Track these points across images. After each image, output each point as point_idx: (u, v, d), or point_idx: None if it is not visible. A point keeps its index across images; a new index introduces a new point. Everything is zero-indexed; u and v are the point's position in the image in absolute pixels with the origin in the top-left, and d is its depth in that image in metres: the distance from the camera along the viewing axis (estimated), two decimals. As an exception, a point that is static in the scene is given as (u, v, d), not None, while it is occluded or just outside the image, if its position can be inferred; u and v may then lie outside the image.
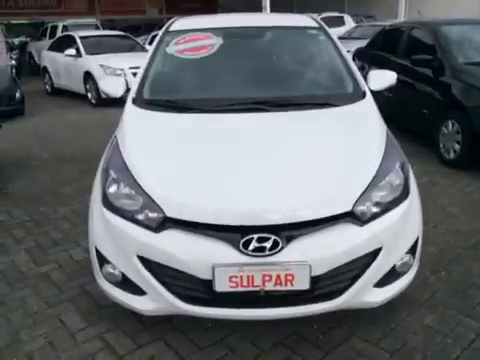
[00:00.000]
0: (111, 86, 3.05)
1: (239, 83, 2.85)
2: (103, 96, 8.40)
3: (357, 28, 12.58)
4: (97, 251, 2.18)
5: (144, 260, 2.00)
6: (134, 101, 2.73)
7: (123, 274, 2.10)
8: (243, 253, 1.86)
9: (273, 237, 1.86)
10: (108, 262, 2.13)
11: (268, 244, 1.85)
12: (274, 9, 14.14)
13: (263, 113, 2.52)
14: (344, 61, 2.97)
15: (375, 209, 2.01)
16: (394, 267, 2.10)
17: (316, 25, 3.29)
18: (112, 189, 2.13)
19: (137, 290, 2.08)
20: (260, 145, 2.25)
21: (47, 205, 4.03)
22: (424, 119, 5.08)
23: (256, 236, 1.86)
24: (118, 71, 8.42)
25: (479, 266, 2.81)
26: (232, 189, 1.98)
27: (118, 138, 2.45)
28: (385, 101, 4.77)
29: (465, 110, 4.35)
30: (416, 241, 2.18)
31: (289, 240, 1.88)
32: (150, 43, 11.31)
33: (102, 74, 8.42)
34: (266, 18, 3.45)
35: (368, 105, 2.66)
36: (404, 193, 2.14)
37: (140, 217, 2.01)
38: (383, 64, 5.67)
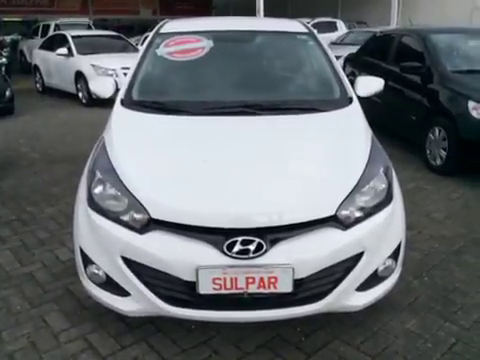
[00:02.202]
0: (101, 87, 3.05)
1: (227, 86, 2.87)
2: (94, 96, 8.38)
3: (349, 34, 12.69)
4: (82, 251, 2.17)
5: (128, 261, 2.00)
6: (122, 102, 2.74)
7: (107, 275, 2.10)
8: (227, 255, 1.87)
9: (257, 240, 1.87)
10: (92, 263, 2.13)
11: (252, 247, 1.87)
12: (268, 13, 14.23)
13: (250, 117, 2.54)
14: (332, 67, 3.00)
15: (358, 214, 2.03)
16: (376, 271, 2.13)
17: (305, 30, 3.32)
18: (98, 190, 2.14)
19: (121, 291, 2.08)
20: (247, 148, 2.26)
21: (34, 205, 4.00)
22: (412, 125, 5.14)
23: (240, 239, 1.87)
24: (110, 71, 8.40)
25: (461, 271, 2.85)
26: (218, 192, 2.00)
27: (105, 139, 2.45)
28: (374, 107, 4.82)
29: (452, 117, 4.41)
30: (399, 246, 2.21)
31: (273, 243, 1.89)
32: (143, 44, 11.31)
33: (93, 74, 8.39)
34: (256, 22, 3.48)
35: (354, 111, 2.69)
36: (387, 198, 2.16)
37: (125, 218, 2.02)
38: (373, 70, 5.74)
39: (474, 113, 4.17)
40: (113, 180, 2.12)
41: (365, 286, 2.10)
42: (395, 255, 2.20)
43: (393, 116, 5.60)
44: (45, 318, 2.43)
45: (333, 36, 13.05)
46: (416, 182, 4.44)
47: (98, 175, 2.18)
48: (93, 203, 2.13)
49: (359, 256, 2.02)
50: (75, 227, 2.26)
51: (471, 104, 4.21)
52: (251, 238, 1.87)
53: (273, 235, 1.90)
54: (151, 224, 1.96)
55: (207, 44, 3.02)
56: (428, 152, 4.81)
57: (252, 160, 2.18)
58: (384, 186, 2.17)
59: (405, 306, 2.50)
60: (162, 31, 3.25)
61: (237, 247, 1.87)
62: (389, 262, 2.17)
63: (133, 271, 2.00)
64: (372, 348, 2.18)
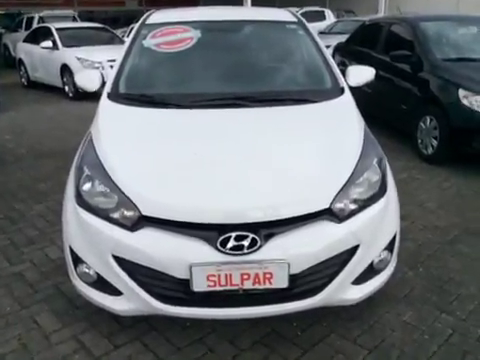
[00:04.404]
0: (86, 80, 2.96)
1: (217, 78, 2.80)
2: (80, 90, 8.24)
3: (338, 23, 12.63)
4: (71, 250, 2.12)
5: (120, 260, 1.95)
6: (109, 96, 2.66)
7: (98, 274, 2.05)
8: (221, 252, 1.83)
9: (251, 235, 1.83)
10: (83, 262, 2.08)
11: (246, 242, 1.83)
12: (256, 2, 14.09)
13: (241, 109, 2.48)
14: (323, 56, 2.95)
15: (353, 206, 2.00)
16: (372, 264, 2.10)
17: (295, 19, 3.26)
18: (86, 187, 2.07)
19: (113, 290, 2.03)
20: (238, 142, 2.21)
21: (22, 202, 3.92)
22: (402, 115, 5.12)
23: (234, 234, 1.83)
24: (96, 64, 8.27)
25: (456, 262, 2.85)
26: (209, 187, 1.95)
27: (92, 134, 2.38)
28: (364, 96, 4.79)
29: (442, 106, 4.39)
30: (394, 237, 2.18)
31: (267, 238, 1.86)
32: (129, 35, 11.14)
33: (79, 67, 8.23)
34: (245, 12, 3.40)
35: (346, 101, 2.64)
36: (382, 189, 2.13)
37: (115, 215, 1.96)
38: (363, 59, 5.70)
39: (465, 101, 4.16)
40: (102, 176, 2.06)
41: (361, 279, 2.08)
42: (390, 247, 2.18)
43: (383, 106, 5.57)
44: (36, 319, 2.38)
45: (321, 25, 12.98)
46: (408, 172, 4.43)
47: (86, 171, 2.12)
48: (82, 200, 2.07)
49: (354, 249, 1.99)
50: (64, 225, 2.20)
51: (462, 92, 4.19)
52: (245, 233, 1.83)
53: (267, 230, 1.86)
54: (142, 221, 1.91)
55: (195, 34, 2.95)
56: (419, 141, 4.80)
57: (244, 153, 2.13)
58: (378, 177, 2.14)
59: (401, 298, 2.49)
60: (148, 22, 3.17)
61: (231, 243, 1.82)
62: (384, 254, 2.15)
63: (125, 270, 1.95)
64: (369, 341, 2.17)
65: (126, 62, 2.88)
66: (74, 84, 8.38)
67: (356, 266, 2.01)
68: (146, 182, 2.00)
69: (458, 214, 3.53)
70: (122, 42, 9.74)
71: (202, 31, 2.97)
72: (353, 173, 2.05)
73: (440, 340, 2.17)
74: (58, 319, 2.37)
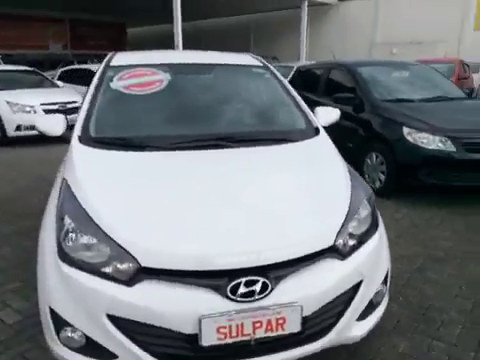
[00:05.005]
0: (50, 124, 2.76)
1: (194, 119, 2.76)
2: (10, 134, 7.71)
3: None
4: (52, 312, 1.87)
5: (115, 319, 1.76)
6: (81, 139, 2.49)
7: (87, 337, 1.82)
8: (232, 300, 1.73)
9: (262, 279, 1.76)
10: (68, 324, 1.84)
11: (257, 287, 1.75)
12: (185, 48, 14.42)
13: (223, 149, 2.45)
14: (293, 98, 3.04)
15: (352, 242, 2.02)
16: (371, 298, 2.11)
17: (260, 64, 3.35)
18: (71, 240, 1.87)
19: (106, 354, 1.82)
20: (231, 183, 2.16)
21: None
22: (348, 152, 5.35)
23: (244, 280, 1.74)
24: (27, 108, 7.82)
25: (430, 288, 2.96)
26: (213, 231, 1.85)
27: (68, 180, 2.19)
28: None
29: (388, 143, 4.70)
30: (388, 270, 2.23)
31: (277, 281, 1.79)
32: (59, 79, 10.72)
33: (9, 111, 7.74)
34: (209, 56, 3.42)
35: (324, 140, 2.73)
36: (374, 225, 2.19)
37: (108, 270, 1.79)
38: (305, 102, 5.96)
39: (409, 138, 4.49)
40: (88, 227, 1.88)
41: (364, 315, 2.07)
42: (385, 280, 2.21)
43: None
44: (5, 398, 2.05)
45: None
46: (361, 205, 4.60)
47: (68, 222, 1.92)
48: (65, 255, 1.86)
49: (358, 285, 1.99)
50: (41, 284, 1.95)
51: (406, 130, 4.53)
52: (256, 278, 1.75)
53: (276, 272, 1.80)
54: (140, 274, 1.76)
55: (165, 77, 2.91)
56: (366, 176, 5.06)
57: (239, 195, 2.08)
58: (368, 212, 2.19)
59: (391, 329, 2.51)
60: (113, 64, 3.06)
61: (241, 289, 1.73)
62: (381, 287, 2.17)
63: (121, 330, 1.76)
64: (373, 378, 2.14)
65: (94, 104, 2.73)
66: (2, 129, 7.88)
67: (361, 302, 2.01)
68: (141, 230, 1.86)
69: (417, 243, 3.71)
70: (54, 85, 9.39)
71: (171, 74, 2.94)
72: (349, 209, 2.08)
73: (440, 368, 2.20)
74: (31, 394, 2.06)
